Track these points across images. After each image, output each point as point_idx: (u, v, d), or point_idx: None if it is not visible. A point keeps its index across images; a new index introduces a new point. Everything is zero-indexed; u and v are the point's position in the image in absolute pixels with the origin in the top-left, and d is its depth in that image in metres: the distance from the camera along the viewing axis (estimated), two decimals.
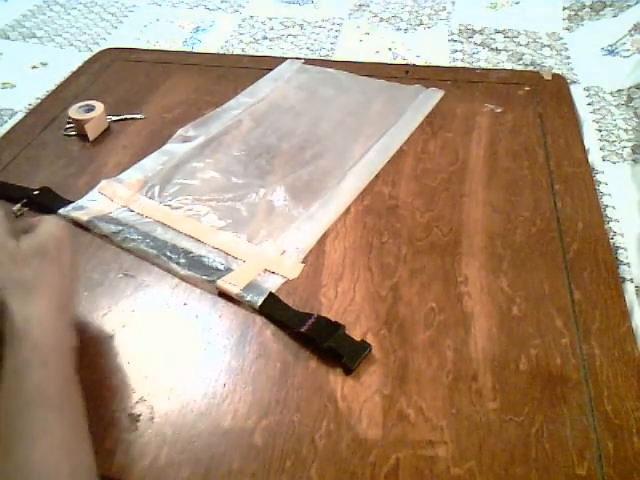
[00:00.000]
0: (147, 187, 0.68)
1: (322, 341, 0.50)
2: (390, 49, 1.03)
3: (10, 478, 0.31)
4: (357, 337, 0.51)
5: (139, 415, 0.47)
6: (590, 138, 0.78)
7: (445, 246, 0.61)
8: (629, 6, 1.03)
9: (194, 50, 1.04)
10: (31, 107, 0.87)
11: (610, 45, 0.98)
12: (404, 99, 0.84)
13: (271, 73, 0.91)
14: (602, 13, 1.06)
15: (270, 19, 1.14)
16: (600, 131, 0.81)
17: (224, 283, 0.56)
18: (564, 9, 1.10)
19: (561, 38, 1.04)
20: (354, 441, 0.45)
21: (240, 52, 1.03)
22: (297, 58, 0.95)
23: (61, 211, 0.65)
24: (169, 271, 0.59)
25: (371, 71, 0.91)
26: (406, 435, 0.45)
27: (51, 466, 0.32)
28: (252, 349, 0.52)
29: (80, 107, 0.78)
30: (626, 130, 0.80)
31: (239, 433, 0.46)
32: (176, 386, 0.49)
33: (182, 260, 0.59)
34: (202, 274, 0.58)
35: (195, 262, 0.59)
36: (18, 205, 0.66)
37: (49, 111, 0.84)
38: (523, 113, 0.81)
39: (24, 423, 0.33)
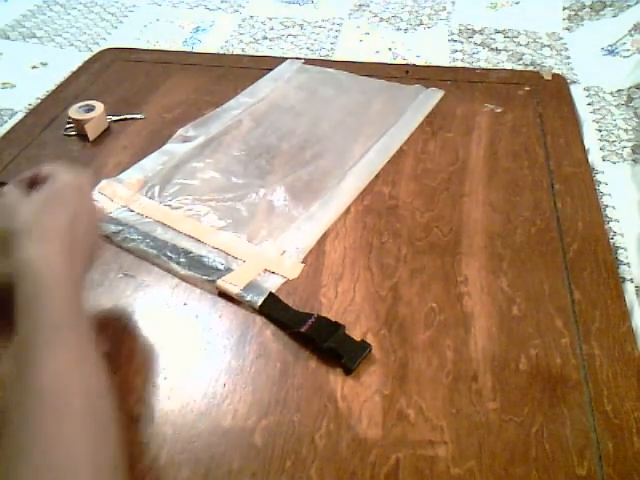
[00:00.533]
0: (147, 187, 0.68)
1: (322, 341, 0.50)
2: (390, 49, 1.03)
3: (24, 402, 0.32)
4: (357, 337, 0.51)
5: (139, 415, 0.47)
6: (590, 138, 0.78)
7: (445, 246, 0.61)
8: (629, 6, 1.03)
9: (194, 50, 1.04)
10: (31, 107, 0.87)
11: (610, 45, 0.98)
12: (404, 99, 0.84)
13: (271, 73, 0.91)
14: (602, 13, 1.06)
15: (270, 19, 1.14)
16: (600, 131, 0.81)
17: (224, 283, 0.56)
18: (564, 9, 1.10)
19: (561, 38, 1.04)
20: (354, 441, 0.45)
21: (240, 52, 1.03)
22: (297, 58, 0.95)
23: None
24: (169, 271, 0.59)
25: (371, 71, 0.91)
26: (406, 435, 0.45)
27: (63, 388, 0.33)
28: (252, 349, 0.52)
29: (80, 107, 0.78)
30: (626, 130, 0.80)
31: (239, 433, 0.46)
32: (176, 386, 0.49)
33: (182, 260, 0.59)
34: (202, 274, 0.58)
35: (195, 262, 0.59)
36: None
37: (49, 111, 0.84)
38: (523, 113, 0.81)
39: (33, 351, 0.34)
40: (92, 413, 0.34)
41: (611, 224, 0.66)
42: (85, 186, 0.46)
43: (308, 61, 0.94)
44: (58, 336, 0.35)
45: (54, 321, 0.35)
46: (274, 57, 0.98)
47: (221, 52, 1.03)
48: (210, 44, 1.06)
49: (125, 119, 0.82)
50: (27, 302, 0.36)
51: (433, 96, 0.84)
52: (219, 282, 0.56)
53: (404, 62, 0.98)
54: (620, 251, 0.62)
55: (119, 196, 0.67)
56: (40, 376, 0.33)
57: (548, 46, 1.02)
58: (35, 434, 0.31)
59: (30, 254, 0.38)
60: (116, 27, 1.12)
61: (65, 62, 0.98)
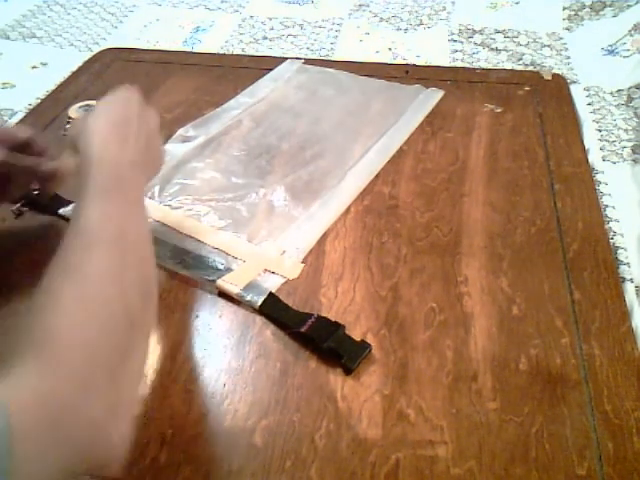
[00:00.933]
0: (147, 187, 0.68)
1: (322, 341, 0.50)
2: (390, 49, 1.03)
3: (66, 239, 0.38)
4: (357, 337, 0.51)
5: (139, 415, 0.47)
6: (590, 138, 0.78)
7: (445, 246, 0.61)
8: (629, 6, 1.03)
9: (194, 50, 1.04)
10: (31, 107, 0.87)
11: (610, 45, 0.98)
12: (404, 99, 0.84)
13: (271, 73, 0.91)
14: (602, 13, 1.06)
15: (270, 19, 1.14)
16: (600, 131, 0.81)
17: (224, 283, 0.56)
18: (564, 9, 1.10)
19: (561, 38, 1.04)
20: (354, 441, 0.45)
21: (240, 52, 1.03)
22: (297, 58, 0.95)
23: (61, 211, 0.65)
24: (169, 271, 0.59)
25: (371, 71, 0.91)
26: (406, 435, 0.45)
27: (96, 228, 0.39)
28: (252, 349, 0.52)
29: (80, 107, 0.78)
30: (626, 130, 0.80)
31: (239, 433, 0.46)
32: (176, 386, 0.49)
33: (182, 260, 0.59)
34: (202, 274, 0.58)
35: (195, 262, 0.59)
36: (18, 205, 0.66)
37: (49, 111, 0.84)
38: (523, 113, 0.81)
39: (80, 204, 0.40)
40: (121, 250, 0.38)
41: (611, 224, 0.66)
42: (135, 96, 0.53)
43: (308, 61, 0.94)
44: (103, 195, 0.40)
45: (101, 185, 0.41)
46: (274, 57, 0.98)
47: (221, 52, 1.03)
48: (210, 44, 1.06)
49: None
50: (82, 177, 0.42)
51: (433, 96, 0.84)
52: (219, 282, 0.56)
53: (404, 62, 0.98)
54: (620, 251, 0.62)
55: None
56: (81, 218, 0.39)
57: (548, 46, 1.02)
58: (68, 262, 0.37)
59: (88, 146, 0.44)
60: (116, 27, 1.12)
61: (65, 62, 0.98)
